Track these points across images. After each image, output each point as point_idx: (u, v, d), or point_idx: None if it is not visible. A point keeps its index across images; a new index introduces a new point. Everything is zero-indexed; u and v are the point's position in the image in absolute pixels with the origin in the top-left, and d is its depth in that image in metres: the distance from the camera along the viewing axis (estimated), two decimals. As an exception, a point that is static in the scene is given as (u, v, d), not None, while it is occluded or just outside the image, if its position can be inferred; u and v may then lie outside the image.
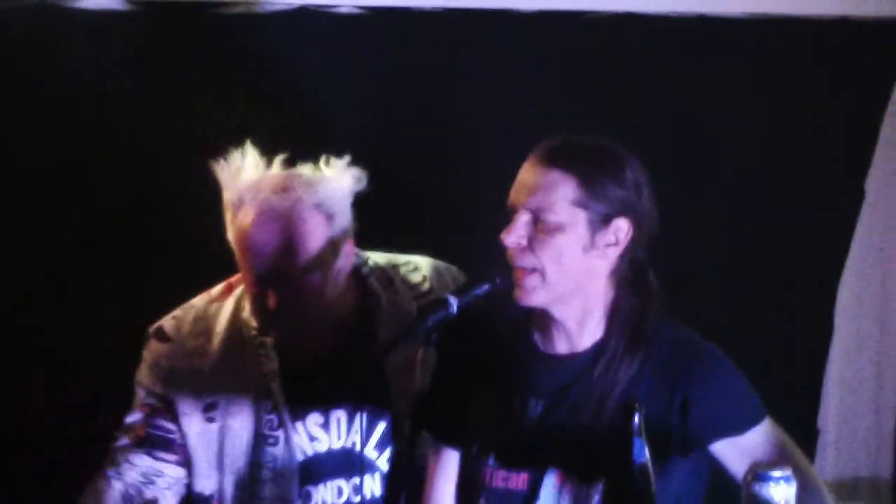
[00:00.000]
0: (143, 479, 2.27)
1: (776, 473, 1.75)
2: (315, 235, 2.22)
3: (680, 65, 3.16)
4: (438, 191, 2.84)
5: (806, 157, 3.35)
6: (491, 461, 2.08)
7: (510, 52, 3.06)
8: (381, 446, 2.38)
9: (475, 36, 3.06)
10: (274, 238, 2.18)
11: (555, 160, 1.98)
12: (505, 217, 2.01)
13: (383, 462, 2.37)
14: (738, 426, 2.04)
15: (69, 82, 2.87)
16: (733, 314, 2.70)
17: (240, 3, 2.92)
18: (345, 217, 2.26)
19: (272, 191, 2.19)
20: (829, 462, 3.53)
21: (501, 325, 2.16)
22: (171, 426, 2.26)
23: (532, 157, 2.01)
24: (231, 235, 2.24)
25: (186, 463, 2.29)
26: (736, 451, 2.03)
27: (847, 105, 3.36)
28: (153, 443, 2.27)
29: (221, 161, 2.24)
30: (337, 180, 2.25)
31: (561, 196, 1.96)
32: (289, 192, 2.19)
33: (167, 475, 2.27)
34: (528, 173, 1.99)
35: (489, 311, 2.13)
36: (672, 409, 2.00)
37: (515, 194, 2.00)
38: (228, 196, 2.24)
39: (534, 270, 1.99)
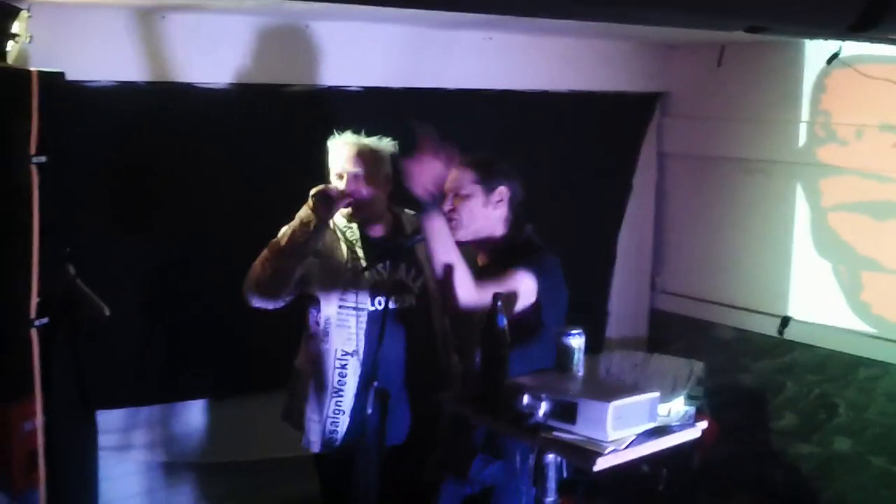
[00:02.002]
0: None
1: (574, 331, 2.60)
2: (379, 171, 3.35)
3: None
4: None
5: (604, 168, 5.18)
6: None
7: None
8: (413, 280, 3.37)
9: (417, 104, 4.13)
10: (362, 169, 3.28)
11: (464, 164, 2.97)
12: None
13: (416, 287, 3.34)
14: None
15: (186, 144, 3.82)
16: (569, 254, 3.20)
17: (297, 85, 4.04)
18: (389, 164, 3.35)
19: (359, 146, 3.30)
20: (613, 329, 5.46)
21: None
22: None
23: (455, 166, 2.91)
24: (338, 171, 3.27)
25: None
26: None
27: (624, 142, 5.24)
28: None
29: (332, 138, 3.31)
30: (386, 146, 3.36)
31: (465, 179, 2.99)
32: (366, 147, 3.31)
33: None
34: (452, 173, 2.94)
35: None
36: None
37: (446, 185, 2.94)
38: (339, 150, 3.29)
39: (455, 219, 2.94)
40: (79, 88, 3.42)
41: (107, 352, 3.69)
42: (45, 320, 2.93)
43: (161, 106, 3.76)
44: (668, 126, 5.39)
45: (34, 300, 2.89)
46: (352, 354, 3.27)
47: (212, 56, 3.84)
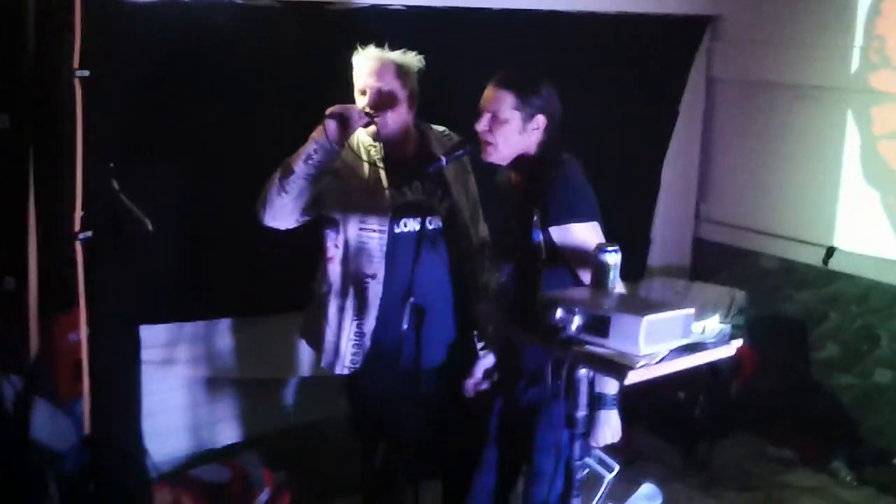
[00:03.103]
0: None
1: (610, 247, 2.60)
2: (405, 86, 3.24)
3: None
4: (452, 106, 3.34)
5: (650, 93, 5.16)
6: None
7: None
8: (439, 201, 3.31)
9: (463, 25, 4.21)
10: (386, 85, 3.20)
11: (503, 84, 2.91)
12: (477, 114, 2.95)
13: (443, 209, 3.28)
14: (569, 215, 2.82)
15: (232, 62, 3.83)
16: (611, 179, 3.45)
17: (338, 3, 3.99)
18: (415, 80, 3.27)
19: (383, 60, 3.22)
20: (656, 257, 5.45)
21: (500, 174, 3.11)
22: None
23: (491, 83, 2.94)
24: (360, 87, 3.20)
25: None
26: (562, 239, 2.79)
27: (672, 66, 5.20)
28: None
29: (356, 53, 3.23)
30: (412, 60, 3.27)
31: (506, 104, 2.90)
32: (390, 60, 3.21)
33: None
34: (489, 92, 2.93)
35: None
36: (549, 208, 2.81)
37: (483, 102, 2.93)
38: (362, 65, 3.21)
39: (491, 142, 2.92)
40: (121, 3, 3.39)
41: (149, 267, 3.69)
42: (89, 234, 2.96)
43: (204, 23, 3.75)
44: (717, 51, 5.32)
45: (78, 214, 2.92)
46: (372, 277, 3.25)
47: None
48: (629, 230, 4.34)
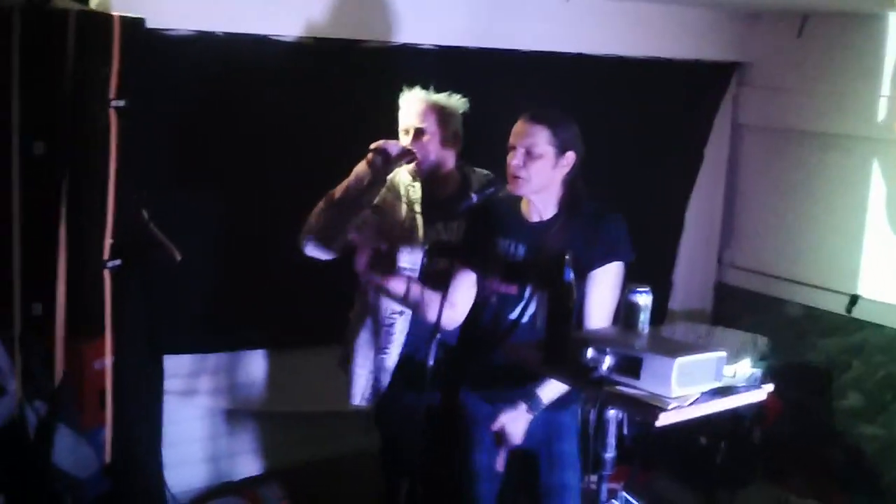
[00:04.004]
0: None
1: (641, 289, 2.63)
2: (448, 127, 3.32)
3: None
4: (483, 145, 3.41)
5: (676, 136, 5.16)
6: (497, 279, 3.02)
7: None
8: None
9: (497, 67, 4.28)
10: (430, 126, 3.28)
11: (537, 119, 2.93)
12: (506, 152, 2.96)
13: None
14: (607, 256, 2.91)
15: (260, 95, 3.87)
16: (633, 222, 3.14)
17: (370, 41, 4.01)
18: (459, 122, 3.35)
19: (428, 102, 3.30)
20: (677, 301, 5.43)
21: (506, 206, 3.06)
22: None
23: (522, 118, 2.94)
24: (404, 126, 3.28)
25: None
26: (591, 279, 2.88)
27: (698, 111, 5.20)
28: None
29: (402, 94, 3.32)
30: (456, 103, 3.36)
31: (541, 139, 2.91)
32: (435, 102, 3.30)
33: None
34: (521, 127, 2.93)
35: (499, 199, 3.06)
36: (583, 247, 2.83)
37: (514, 139, 2.93)
38: (408, 106, 3.29)
39: (522, 177, 2.91)
40: (158, 36, 3.46)
41: (176, 297, 3.78)
42: (117, 262, 2.98)
43: (236, 57, 3.80)
44: (743, 97, 5.30)
45: (108, 242, 2.95)
46: (400, 314, 3.29)
47: (288, 8, 3.86)
48: (651, 273, 4.23)
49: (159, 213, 3.20)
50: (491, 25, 4.33)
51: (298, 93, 3.99)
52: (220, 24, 3.73)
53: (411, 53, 4.16)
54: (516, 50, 4.40)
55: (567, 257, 2.60)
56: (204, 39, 3.69)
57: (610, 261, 2.91)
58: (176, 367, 3.96)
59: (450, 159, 3.37)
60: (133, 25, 2.97)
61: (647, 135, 4.92)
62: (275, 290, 4.07)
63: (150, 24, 3.12)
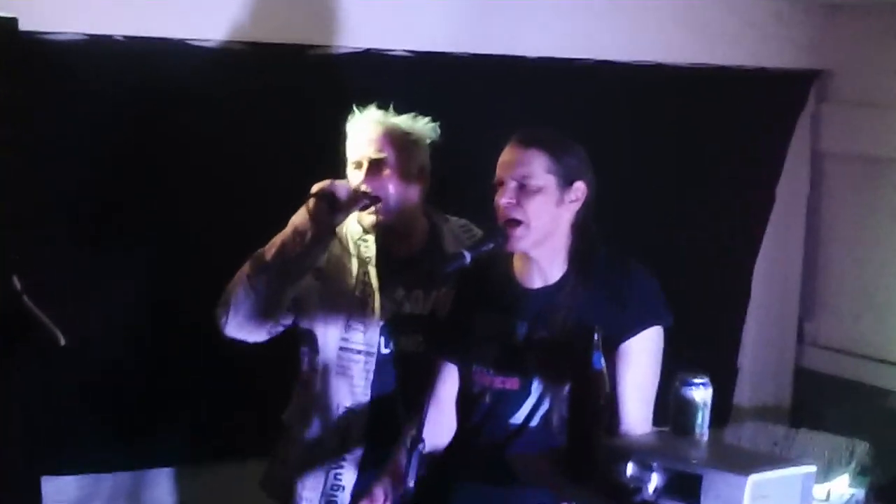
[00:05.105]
0: None
1: (697, 380, 2.55)
2: (412, 160, 3.32)
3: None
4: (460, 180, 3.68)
5: (736, 171, 5.13)
6: (490, 371, 2.96)
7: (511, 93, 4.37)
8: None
9: (477, 74, 4.37)
10: (389, 157, 3.26)
11: (530, 142, 2.91)
12: (492, 190, 2.91)
13: None
14: (642, 320, 2.89)
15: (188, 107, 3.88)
16: (680, 287, 3.31)
17: (321, 46, 4.09)
18: (426, 153, 3.37)
19: (387, 126, 3.30)
20: (745, 393, 5.39)
21: (492, 268, 3.02)
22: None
23: (511, 143, 2.93)
24: (356, 158, 3.28)
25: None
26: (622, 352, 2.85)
27: (765, 136, 5.19)
28: None
29: (352, 117, 3.31)
30: (424, 128, 3.35)
31: (538, 167, 2.88)
32: (395, 127, 3.30)
33: None
34: (511, 154, 2.91)
35: (485, 260, 2.96)
36: (608, 314, 2.81)
37: (502, 170, 2.91)
38: (360, 132, 3.30)
39: (520, 223, 2.87)
40: (35, 41, 3.46)
41: (59, 398, 3.74)
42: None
43: (142, 68, 3.81)
44: (826, 117, 5.35)
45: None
46: (353, 411, 3.32)
47: (211, 5, 3.87)
48: (709, 357, 4.23)
49: (37, 282, 3.13)
50: (487, 26, 4.38)
51: (222, 115, 4.01)
52: (120, 26, 3.75)
53: (377, 63, 4.23)
54: (519, 56, 4.46)
55: (596, 337, 2.58)
56: (98, 45, 3.72)
57: (646, 326, 2.90)
58: (58, 491, 3.93)
59: (414, 202, 3.38)
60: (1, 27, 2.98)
61: (695, 169, 4.94)
62: (188, 385, 4.08)
63: (24, 26, 3.12)
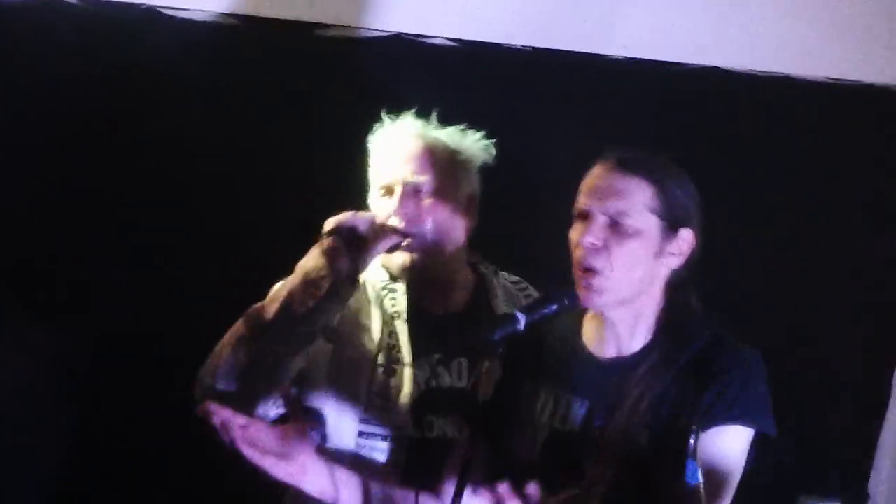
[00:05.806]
0: None
1: (830, 502, 2.81)
2: (458, 187, 3.33)
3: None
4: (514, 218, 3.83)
5: (878, 217, 4.79)
6: (531, 468, 2.87)
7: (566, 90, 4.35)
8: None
9: (548, 75, 4.35)
10: (430, 181, 3.26)
11: (633, 168, 2.84)
12: (568, 220, 2.89)
13: None
14: (733, 414, 2.78)
15: (168, 85, 3.96)
16: (797, 378, 3.61)
17: (338, 27, 4.15)
18: (477, 180, 3.39)
19: (427, 141, 3.30)
20: None
21: (553, 332, 3.02)
22: None
23: (605, 165, 2.88)
24: (385, 182, 3.26)
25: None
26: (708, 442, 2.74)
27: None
28: None
29: (379, 126, 3.32)
30: (474, 146, 3.37)
31: (640, 202, 2.82)
32: (439, 143, 3.30)
33: None
34: (605, 179, 2.85)
35: (545, 325, 2.97)
36: (698, 407, 2.76)
37: (589, 198, 2.84)
38: (390, 148, 3.30)
39: (601, 272, 2.81)
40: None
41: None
42: None
43: (107, 41, 3.86)
44: None
45: None
46: None
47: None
48: (833, 476, 4.20)
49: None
50: (561, 17, 4.32)
51: (203, 113, 4.05)
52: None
53: (410, 52, 4.21)
54: (600, 55, 4.40)
55: (692, 441, 2.44)
56: (51, 8, 3.80)
57: (736, 422, 2.78)
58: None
59: (458, 243, 3.33)
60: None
61: (821, 210, 4.63)
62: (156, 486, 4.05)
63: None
